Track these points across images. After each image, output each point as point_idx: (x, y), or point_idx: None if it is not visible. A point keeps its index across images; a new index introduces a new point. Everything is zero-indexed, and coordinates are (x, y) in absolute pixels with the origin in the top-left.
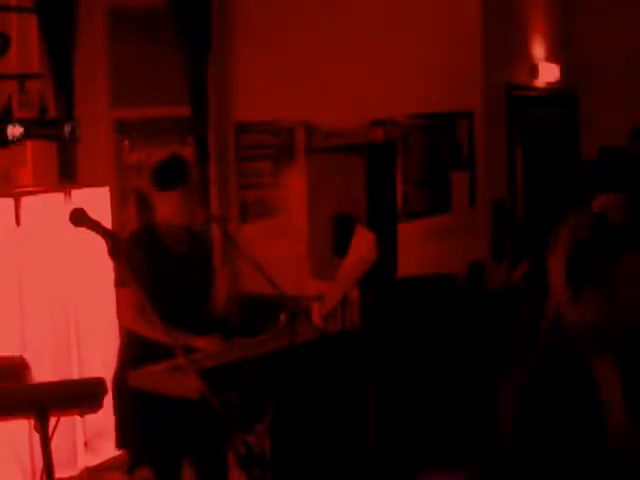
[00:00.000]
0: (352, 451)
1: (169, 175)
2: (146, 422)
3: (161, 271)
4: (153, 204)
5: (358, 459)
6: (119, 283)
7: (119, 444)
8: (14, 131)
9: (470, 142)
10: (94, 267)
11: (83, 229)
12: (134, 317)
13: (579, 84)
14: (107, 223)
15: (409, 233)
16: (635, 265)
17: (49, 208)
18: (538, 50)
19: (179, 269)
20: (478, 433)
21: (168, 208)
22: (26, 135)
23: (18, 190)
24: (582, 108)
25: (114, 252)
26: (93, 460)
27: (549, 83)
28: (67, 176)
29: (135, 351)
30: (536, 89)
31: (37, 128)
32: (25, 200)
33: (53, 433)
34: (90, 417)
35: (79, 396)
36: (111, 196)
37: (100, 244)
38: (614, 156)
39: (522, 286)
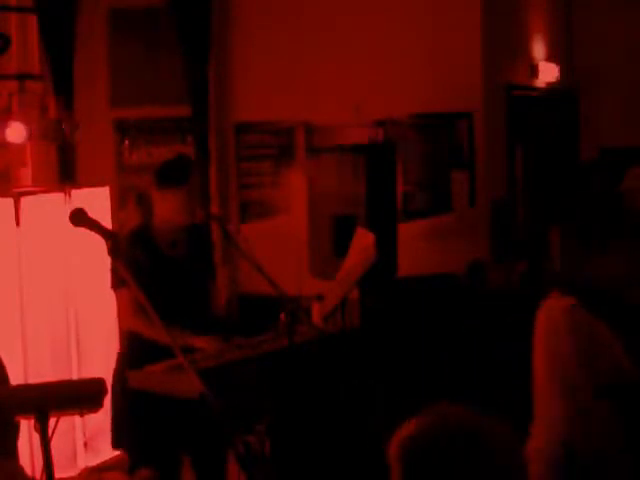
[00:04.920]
0: (352, 450)
1: (174, 173)
2: (146, 422)
3: (155, 273)
4: (152, 205)
5: (358, 458)
6: (116, 285)
7: (115, 444)
8: (15, 132)
9: (470, 142)
10: (94, 267)
11: (83, 229)
12: (133, 317)
13: (579, 84)
14: (107, 223)
15: (409, 233)
16: None
17: (49, 208)
18: (538, 50)
19: (173, 273)
20: None
21: (170, 208)
22: (26, 135)
23: (18, 190)
24: (582, 108)
25: (114, 252)
26: (93, 460)
27: (549, 83)
28: (67, 176)
29: (135, 351)
30: (536, 89)
31: (37, 128)
32: (25, 200)
33: (53, 433)
34: (90, 417)
35: (79, 396)
36: (111, 196)
37: (100, 244)
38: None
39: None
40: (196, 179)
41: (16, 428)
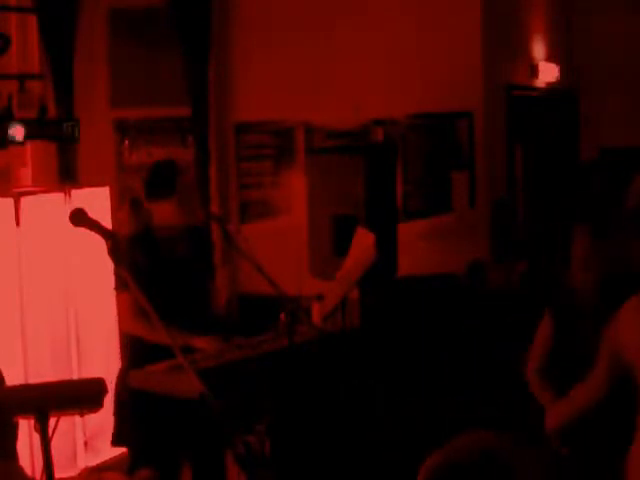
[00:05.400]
0: (352, 450)
1: (160, 186)
2: (146, 422)
3: (154, 274)
4: (147, 209)
5: (358, 458)
6: (118, 287)
7: (114, 441)
8: (15, 132)
9: (470, 142)
10: (94, 267)
11: (83, 229)
12: (132, 319)
13: (579, 84)
14: (107, 223)
15: (409, 233)
16: None
17: (49, 208)
18: (538, 50)
19: (173, 273)
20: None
21: (165, 213)
22: (26, 135)
23: (18, 190)
24: (582, 108)
25: (114, 252)
26: (93, 460)
27: (549, 83)
28: (67, 176)
29: (136, 352)
30: (536, 89)
31: (37, 128)
32: (25, 200)
33: (53, 433)
34: (90, 417)
35: (79, 396)
36: (111, 196)
37: (100, 244)
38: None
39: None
40: (189, 182)
41: (15, 429)
